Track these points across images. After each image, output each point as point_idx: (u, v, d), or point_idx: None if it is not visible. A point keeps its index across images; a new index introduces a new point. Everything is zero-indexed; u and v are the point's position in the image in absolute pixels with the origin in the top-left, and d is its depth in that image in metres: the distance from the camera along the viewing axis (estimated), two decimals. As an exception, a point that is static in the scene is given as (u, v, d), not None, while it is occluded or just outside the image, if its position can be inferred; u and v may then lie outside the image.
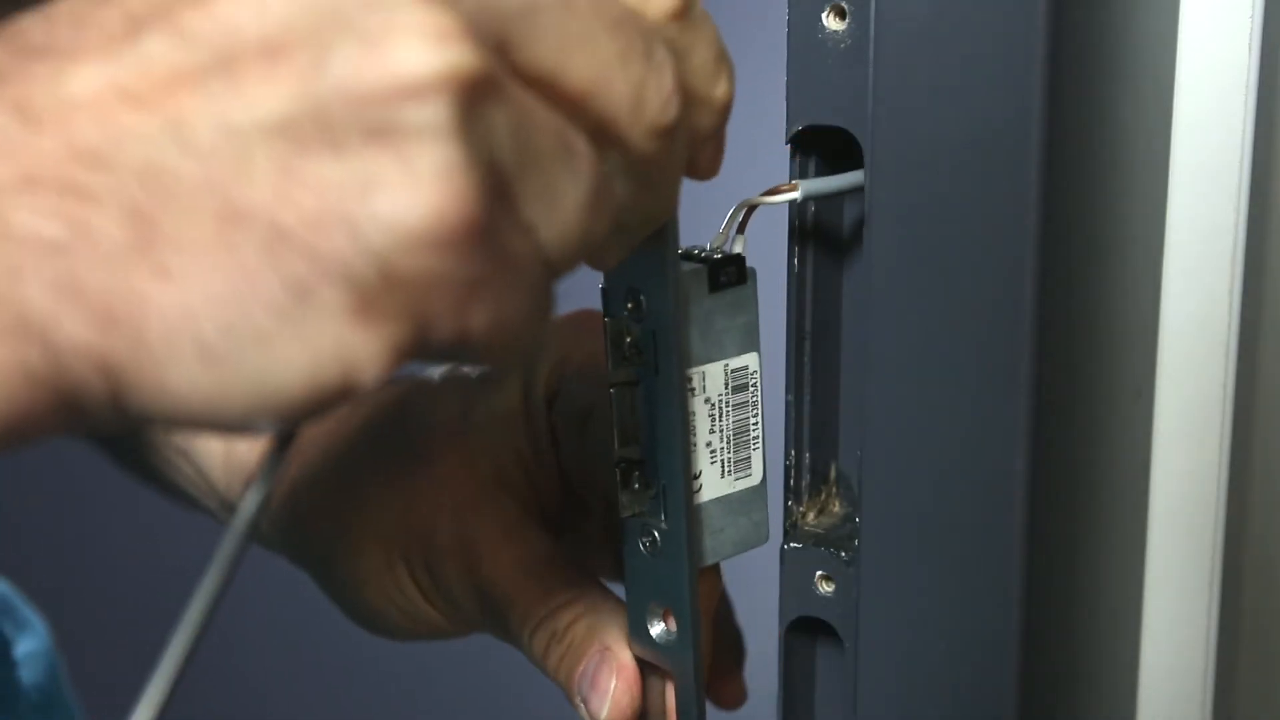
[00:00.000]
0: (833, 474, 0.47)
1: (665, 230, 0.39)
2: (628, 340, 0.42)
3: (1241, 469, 0.47)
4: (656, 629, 0.45)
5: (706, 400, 0.43)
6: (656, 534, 0.43)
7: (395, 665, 1.71)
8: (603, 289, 0.42)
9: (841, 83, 0.42)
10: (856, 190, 0.43)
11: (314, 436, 0.53)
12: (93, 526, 1.85)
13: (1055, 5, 0.38)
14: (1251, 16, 0.43)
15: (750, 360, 0.44)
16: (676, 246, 0.40)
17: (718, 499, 0.44)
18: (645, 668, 0.47)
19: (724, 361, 0.43)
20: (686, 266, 0.42)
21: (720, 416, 0.44)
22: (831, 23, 0.42)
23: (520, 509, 0.50)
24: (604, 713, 0.46)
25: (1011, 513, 0.41)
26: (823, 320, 0.46)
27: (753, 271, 0.43)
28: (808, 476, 0.47)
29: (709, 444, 0.43)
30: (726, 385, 0.43)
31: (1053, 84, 0.39)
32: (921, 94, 0.40)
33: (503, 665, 1.48)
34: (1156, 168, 0.45)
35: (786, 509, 0.46)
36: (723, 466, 0.44)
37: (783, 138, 0.44)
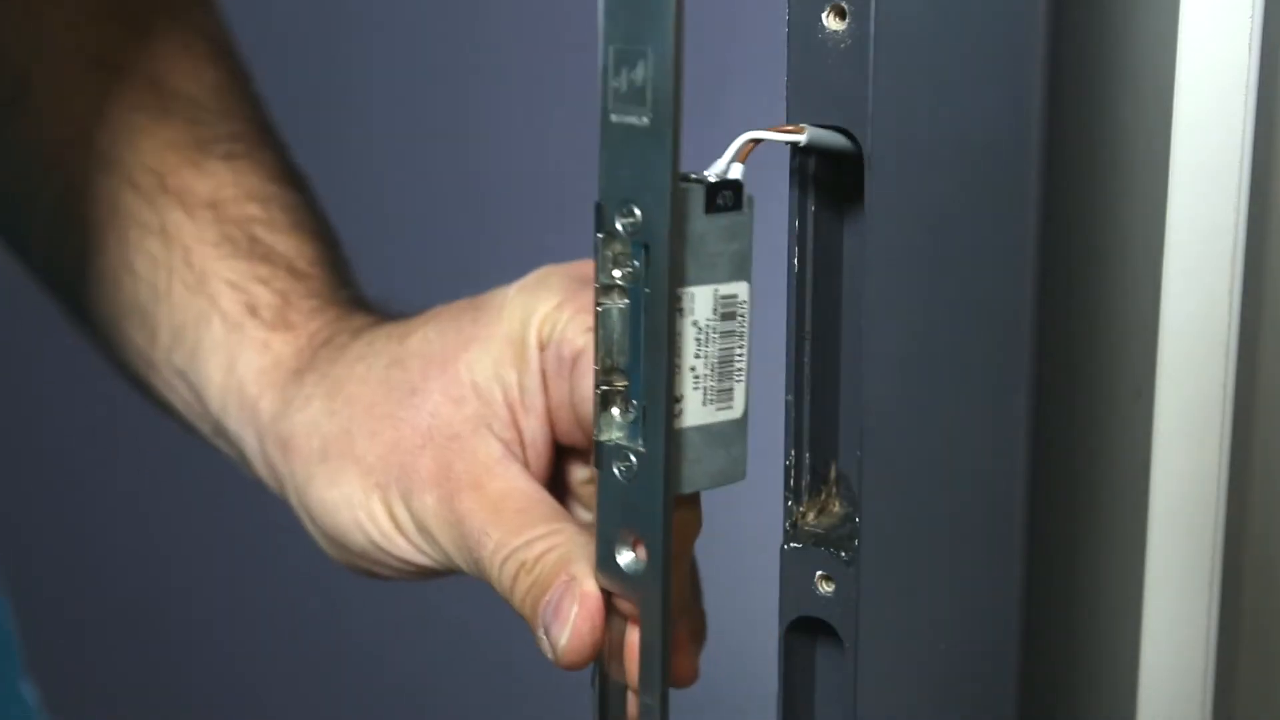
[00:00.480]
0: (833, 474, 0.47)
1: (666, 142, 0.39)
2: (619, 253, 0.42)
3: (1241, 469, 0.47)
4: (626, 558, 0.44)
5: (694, 323, 0.43)
6: (633, 458, 0.43)
7: (395, 664, 1.71)
8: (597, 203, 0.42)
9: (841, 83, 0.42)
10: (851, 165, 0.42)
11: (310, 362, 0.54)
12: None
13: (1055, 5, 0.38)
14: (1251, 16, 0.43)
15: (740, 289, 0.44)
16: (677, 158, 0.40)
17: (697, 427, 0.43)
18: (613, 604, 0.46)
19: (714, 286, 0.43)
20: (685, 185, 0.42)
21: (706, 341, 0.43)
22: (831, 23, 0.42)
23: (503, 447, 0.50)
24: (563, 640, 0.46)
25: (1011, 513, 0.41)
26: (823, 320, 0.46)
27: (750, 199, 0.43)
28: (808, 476, 0.47)
29: (693, 368, 0.43)
30: (715, 311, 0.43)
31: (1052, 84, 0.39)
32: (921, 94, 0.40)
33: (503, 665, 1.48)
34: (1156, 168, 0.45)
35: (786, 509, 0.46)
36: (705, 394, 0.43)
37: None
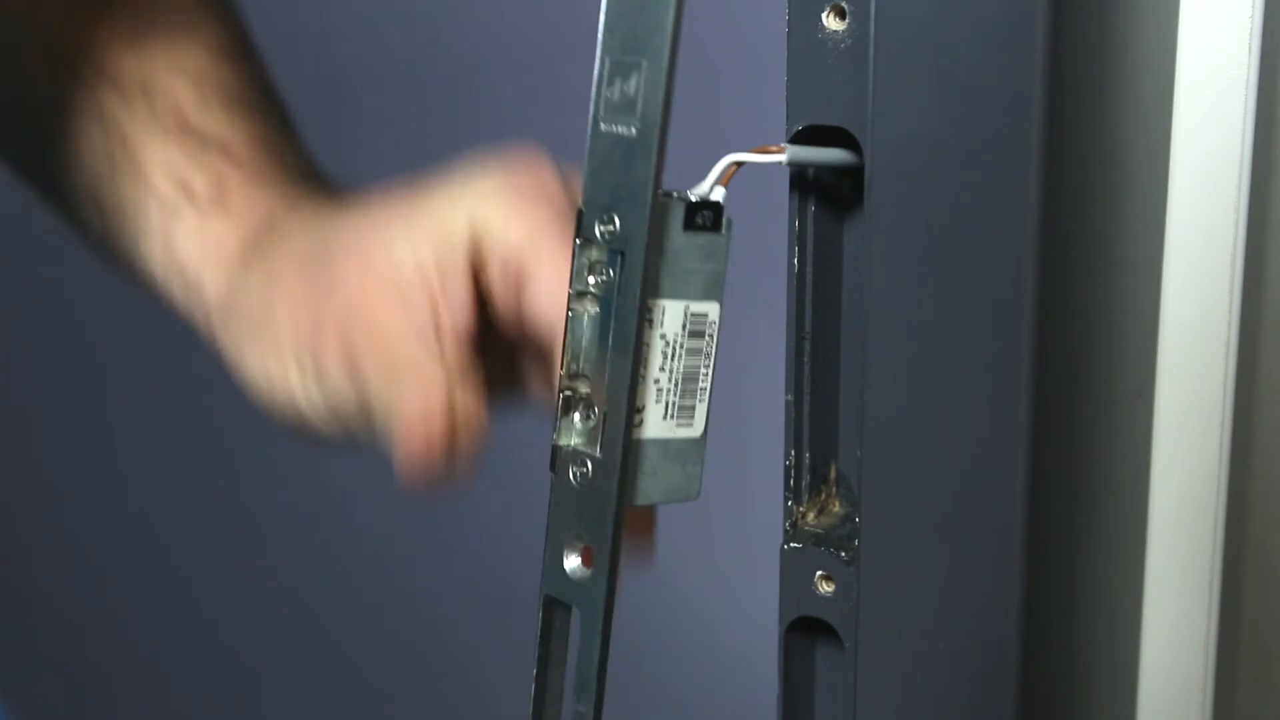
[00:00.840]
0: (833, 474, 0.47)
1: (651, 153, 0.40)
2: (594, 260, 0.42)
3: (1241, 469, 0.47)
4: (572, 563, 0.44)
5: (662, 336, 0.43)
6: (589, 464, 0.43)
7: (395, 664, 1.71)
8: (579, 210, 0.42)
9: (841, 83, 0.42)
10: (847, 169, 0.43)
11: (254, 246, 0.56)
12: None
13: (1055, 5, 0.38)
14: (1251, 16, 0.43)
15: (711, 310, 0.44)
16: (660, 170, 0.40)
17: (656, 440, 0.44)
18: (556, 608, 0.45)
19: (685, 302, 0.43)
20: (665, 199, 0.42)
21: (672, 356, 0.43)
22: (831, 23, 0.42)
23: (412, 328, 0.52)
24: (401, 450, 0.49)
25: (1011, 513, 0.41)
26: (823, 320, 0.46)
27: (729, 223, 0.43)
28: (808, 476, 0.47)
29: (656, 381, 0.43)
30: (684, 327, 0.43)
31: (1052, 84, 0.39)
32: (921, 94, 0.40)
33: (502, 665, 1.48)
34: (1156, 168, 0.45)
35: (787, 509, 0.46)
36: (666, 408, 0.44)
37: (783, 137, 0.44)
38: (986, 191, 0.40)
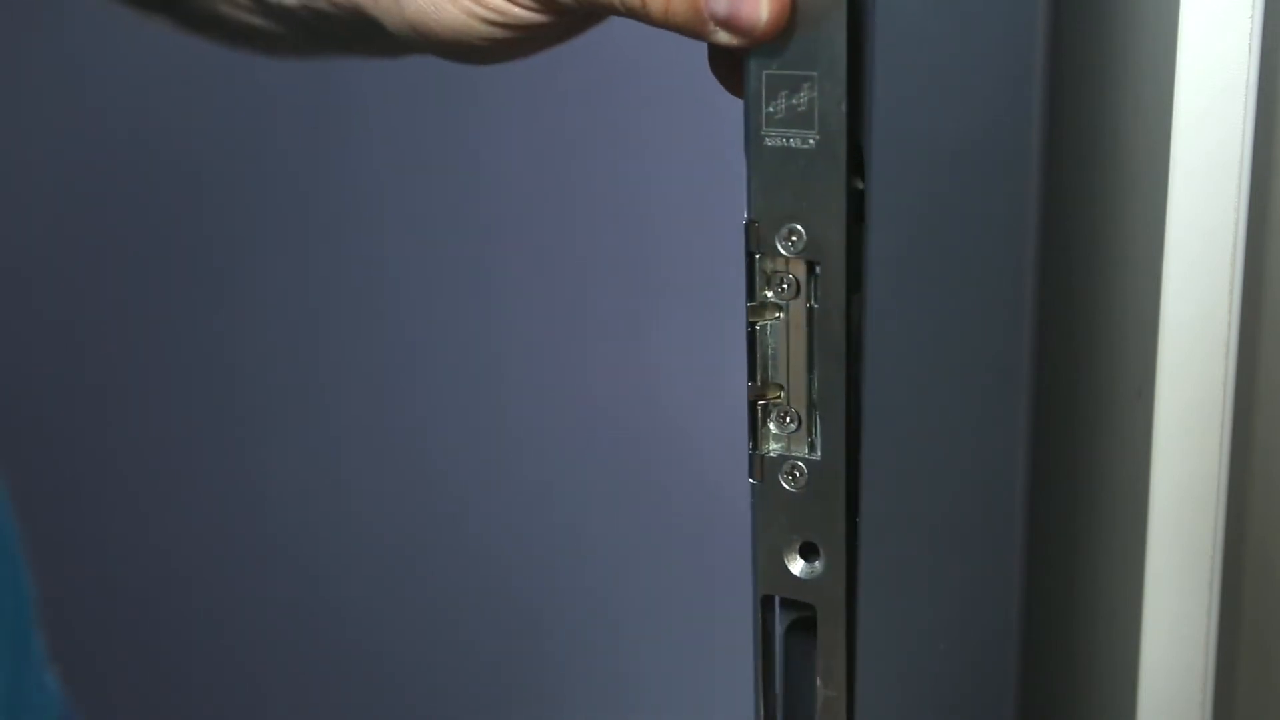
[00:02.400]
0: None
1: (839, 162, 0.40)
2: (773, 271, 0.43)
3: (1241, 469, 0.47)
4: (796, 564, 0.45)
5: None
6: (805, 468, 0.43)
7: (395, 664, 1.72)
8: (749, 222, 0.43)
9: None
10: None
11: None
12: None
13: (1055, 5, 0.38)
14: (1251, 16, 0.43)
15: None
16: (849, 177, 0.41)
17: None
18: (783, 607, 0.46)
19: None
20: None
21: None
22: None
23: None
24: (763, 11, 0.42)
25: (1011, 512, 0.41)
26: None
27: None
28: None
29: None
30: None
31: (1052, 84, 0.39)
32: (921, 94, 0.40)
33: (503, 665, 1.48)
34: (1156, 168, 0.44)
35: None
36: None
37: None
38: (987, 191, 0.40)
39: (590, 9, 0.46)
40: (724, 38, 0.43)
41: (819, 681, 0.45)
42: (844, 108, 0.41)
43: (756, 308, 0.43)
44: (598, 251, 1.37)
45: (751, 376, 0.43)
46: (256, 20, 0.59)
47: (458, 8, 0.48)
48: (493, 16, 0.48)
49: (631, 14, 0.45)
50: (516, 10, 0.48)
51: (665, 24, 0.44)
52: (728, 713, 1.34)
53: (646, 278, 1.36)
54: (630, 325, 1.38)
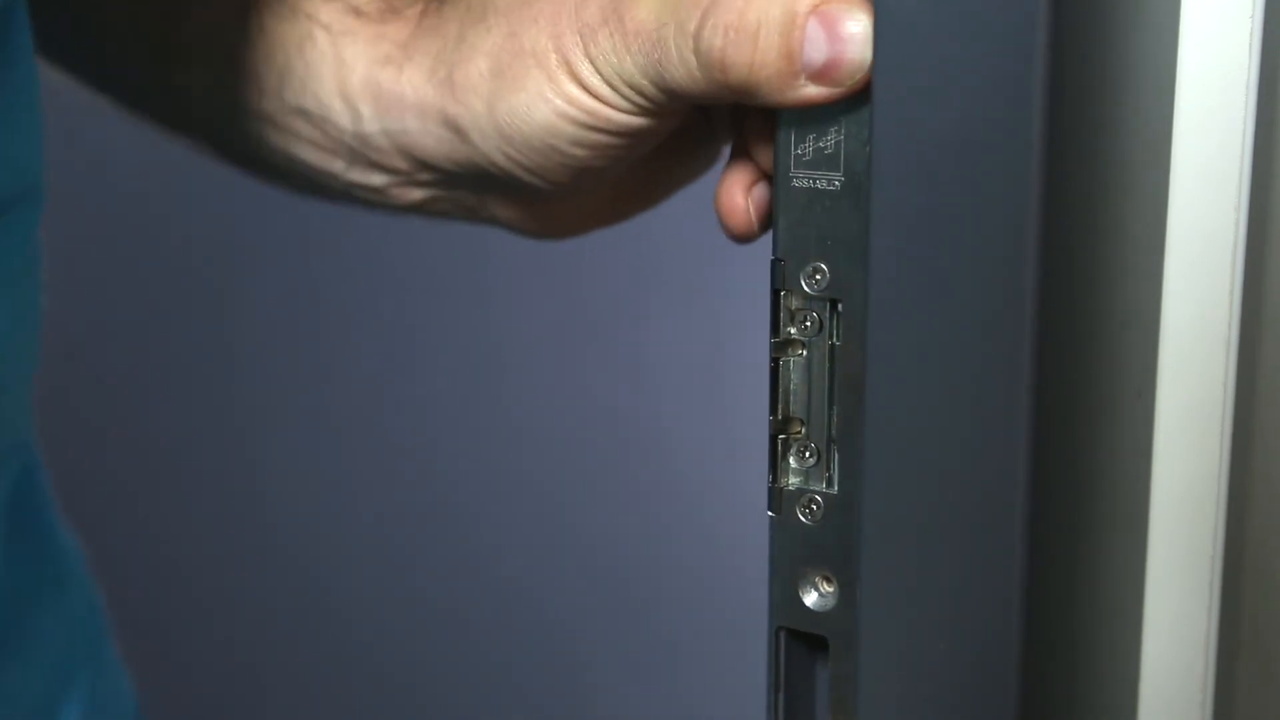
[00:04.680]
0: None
1: (863, 204, 0.41)
2: (796, 309, 0.43)
3: (1241, 469, 0.47)
4: (812, 597, 0.45)
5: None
6: (822, 501, 0.44)
7: (395, 664, 1.72)
8: (775, 260, 0.43)
9: (842, 83, 0.42)
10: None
11: (418, 27, 0.53)
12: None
13: (1055, 6, 0.38)
14: (1251, 16, 0.43)
15: None
16: (873, 218, 0.41)
17: None
18: (794, 639, 0.46)
19: None
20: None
21: None
22: (832, 23, 0.42)
23: None
24: (858, 51, 0.42)
25: (1012, 513, 0.41)
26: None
27: None
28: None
29: None
30: None
31: (1053, 84, 0.39)
32: (921, 95, 0.40)
33: (502, 665, 1.48)
34: (1156, 168, 0.44)
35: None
36: None
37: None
38: (987, 191, 0.40)
39: (678, 100, 0.47)
40: (811, 92, 0.43)
41: (831, 716, 0.46)
42: (869, 149, 0.41)
43: (780, 344, 0.44)
44: (598, 251, 1.37)
45: (773, 411, 0.44)
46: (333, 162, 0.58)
47: (550, 108, 0.49)
48: (583, 118, 0.49)
49: (711, 84, 0.44)
50: (608, 112, 0.48)
51: (746, 83, 0.43)
52: (728, 712, 1.34)
53: (647, 278, 1.36)
54: (630, 325, 1.38)
